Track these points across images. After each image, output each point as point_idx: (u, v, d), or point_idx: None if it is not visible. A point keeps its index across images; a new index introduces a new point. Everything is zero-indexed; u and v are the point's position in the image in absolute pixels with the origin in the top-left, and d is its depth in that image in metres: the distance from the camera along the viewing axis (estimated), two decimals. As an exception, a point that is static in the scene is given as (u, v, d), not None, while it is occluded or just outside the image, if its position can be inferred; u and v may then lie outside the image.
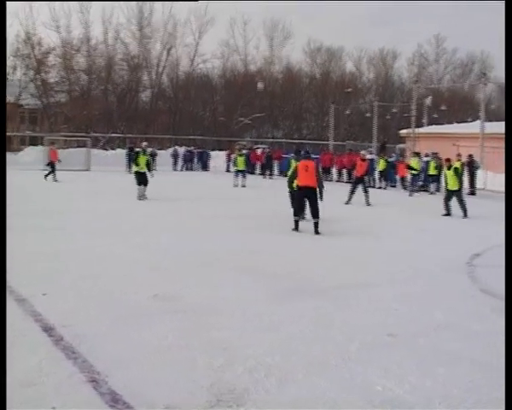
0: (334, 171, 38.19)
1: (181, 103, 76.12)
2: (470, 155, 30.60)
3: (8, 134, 56.55)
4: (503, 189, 32.44)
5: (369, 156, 34.42)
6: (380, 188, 31.82)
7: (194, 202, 21.84)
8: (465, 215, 19.23)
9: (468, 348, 6.51)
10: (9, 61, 62.21)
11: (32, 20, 66.89)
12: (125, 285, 8.82)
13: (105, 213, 17.66)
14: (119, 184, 29.74)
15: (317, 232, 14.60)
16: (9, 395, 4.78)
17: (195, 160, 46.67)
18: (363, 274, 10.29)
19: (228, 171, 41.89)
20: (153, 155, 37.86)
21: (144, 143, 25.30)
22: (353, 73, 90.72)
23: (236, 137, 66.56)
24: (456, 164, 20.29)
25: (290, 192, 16.25)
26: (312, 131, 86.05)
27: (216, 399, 5.00)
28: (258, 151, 44.81)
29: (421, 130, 46.32)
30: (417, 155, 33.21)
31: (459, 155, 19.83)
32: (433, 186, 30.51)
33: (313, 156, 38.22)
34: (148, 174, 22.38)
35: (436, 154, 31.64)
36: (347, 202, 22.13)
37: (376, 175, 33.05)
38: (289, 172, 16.83)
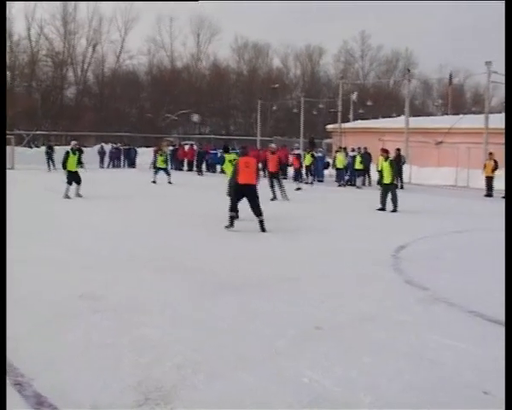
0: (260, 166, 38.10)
1: (107, 100, 75.36)
2: (398, 150, 31.15)
3: None
4: (427, 182, 33.18)
5: (296, 151, 34.75)
6: (307, 183, 32.07)
7: (120, 200, 21.63)
8: (395, 209, 19.37)
9: (393, 338, 6.62)
10: None
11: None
12: (49, 286, 8.66)
13: (27, 213, 17.29)
14: (43, 182, 29.19)
15: (263, 230, 14.38)
16: None
17: (122, 157, 46.21)
18: (290, 269, 10.33)
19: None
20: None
21: (73, 142, 24.83)
22: (280, 69, 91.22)
23: (164, 133, 66.15)
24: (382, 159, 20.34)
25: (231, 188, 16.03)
26: (240, 127, 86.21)
27: (144, 397, 4.96)
28: (186, 147, 44.69)
29: (347, 125, 46.91)
30: (343, 149, 33.69)
31: (386, 150, 19.98)
32: (359, 181, 31.00)
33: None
34: (82, 170, 22.23)
35: (365, 148, 32.13)
36: (273, 199, 22.03)
37: (303, 170, 33.27)
38: (224, 168, 16.81)
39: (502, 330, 5.82)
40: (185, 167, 42.46)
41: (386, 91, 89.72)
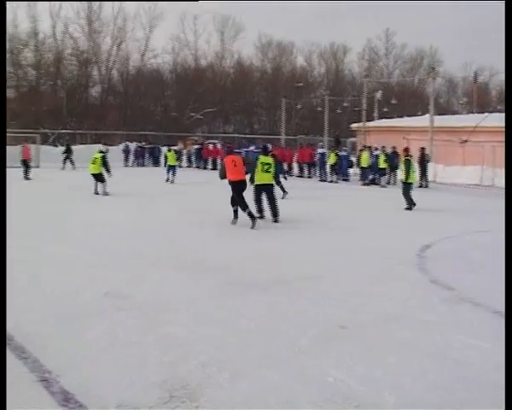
0: (294, 165, 37.87)
1: (131, 99, 75.55)
2: (422, 149, 30.96)
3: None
4: (452, 181, 32.92)
5: (320, 150, 34.71)
6: (331, 182, 32.02)
7: (143, 199, 21.73)
8: (407, 208, 19.43)
9: (417, 337, 6.60)
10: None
11: (-23, 15, 65.62)
12: (75, 284, 8.72)
13: (51, 212, 17.44)
14: (67, 181, 29.35)
15: (235, 218, 15.19)
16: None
17: (147, 155, 46.41)
18: (314, 267, 10.34)
19: (180, 166, 41.68)
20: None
21: (102, 147, 25.18)
22: (304, 67, 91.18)
23: (188, 132, 66.31)
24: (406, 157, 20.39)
25: (254, 188, 16.32)
26: (264, 125, 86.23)
27: (169, 395, 4.99)
28: (210, 146, 44.75)
29: (371, 124, 46.73)
30: (368, 148, 33.55)
31: (404, 149, 20.17)
32: (383, 179, 30.87)
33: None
34: (106, 175, 22.45)
35: (394, 147, 31.90)
36: (283, 197, 21.69)
37: (328, 169, 33.23)
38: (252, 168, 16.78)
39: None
40: (209, 166, 42.50)
41: (410, 90, 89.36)
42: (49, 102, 66.83)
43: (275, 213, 15.86)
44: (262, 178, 16.04)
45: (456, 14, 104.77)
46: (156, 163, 45.62)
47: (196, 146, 45.96)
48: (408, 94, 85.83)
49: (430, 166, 32.04)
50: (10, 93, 67.36)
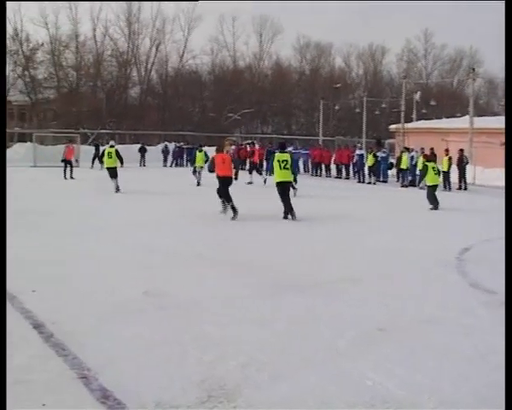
0: (332, 167, 37.71)
1: (170, 99, 75.97)
2: (461, 150, 30.64)
3: (-5, 130, 56.31)
4: (492, 183, 32.60)
5: (358, 152, 34.55)
6: (369, 183, 31.86)
7: (180, 198, 21.85)
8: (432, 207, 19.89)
9: (457, 341, 6.54)
10: (-3, 58, 61.90)
11: (20, 17, 66.67)
12: (114, 282, 8.81)
13: (89, 211, 17.66)
14: (104, 180, 29.54)
15: (234, 215, 16.06)
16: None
17: (185, 156, 46.58)
18: (352, 269, 10.30)
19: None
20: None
21: (111, 142, 25.90)
22: (342, 68, 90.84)
23: (226, 132, 66.45)
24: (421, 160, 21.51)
25: (279, 187, 16.42)
26: (301, 126, 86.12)
27: (207, 395, 5.00)
28: (248, 147, 44.69)
29: (410, 125, 46.40)
30: (407, 150, 33.28)
31: (426, 155, 20.95)
32: (422, 182, 30.53)
33: (303, 151, 38.28)
34: (119, 166, 23.70)
35: (432, 149, 31.51)
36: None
37: (366, 170, 33.07)
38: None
39: None
40: (247, 166, 42.43)
41: (449, 91, 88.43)
42: (89, 102, 67.55)
43: (289, 210, 16.08)
44: (281, 175, 16.40)
45: (496, 13, 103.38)
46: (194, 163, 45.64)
47: (234, 147, 46.01)
48: (447, 95, 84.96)
49: (469, 169, 31.67)
50: (51, 94, 68.32)
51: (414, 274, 10.02)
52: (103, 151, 25.00)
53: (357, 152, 34.67)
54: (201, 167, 27.45)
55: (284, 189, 16.42)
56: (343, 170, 36.19)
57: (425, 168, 20.95)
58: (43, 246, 11.76)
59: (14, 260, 10.12)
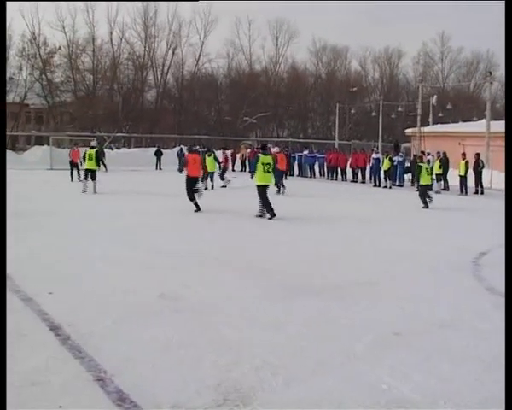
0: (348, 170, 37.52)
1: (186, 103, 76.26)
2: (477, 154, 30.49)
3: (13, 134, 56.70)
4: (508, 188, 31.89)
5: (374, 156, 34.47)
6: (385, 187, 31.78)
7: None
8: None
9: (473, 346, 6.51)
10: (15, 61, 62.54)
11: (38, 20, 67.14)
12: (129, 284, 8.83)
13: (102, 213, 17.75)
14: (121, 182, 29.67)
15: (197, 209, 17.68)
16: (16, 394, 4.84)
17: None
18: (367, 272, 10.28)
19: (233, 170, 41.76)
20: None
21: (92, 143, 26.19)
22: (358, 72, 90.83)
23: (242, 136, 66.58)
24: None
25: (259, 188, 16.85)
26: (317, 130, 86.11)
27: (222, 398, 5.01)
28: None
29: (426, 129, 46.21)
30: (423, 154, 33.14)
31: (420, 156, 21.75)
32: (437, 185, 30.38)
33: (319, 155, 38.27)
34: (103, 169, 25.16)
35: (444, 153, 31.40)
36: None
37: (382, 174, 32.99)
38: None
39: None
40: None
41: (466, 94, 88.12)
42: (106, 106, 67.92)
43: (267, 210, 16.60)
44: (264, 178, 16.76)
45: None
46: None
47: (249, 150, 46.07)
48: (463, 99, 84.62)
49: (485, 173, 31.48)
50: (68, 97, 68.69)
51: (429, 278, 9.98)
52: (84, 153, 25.01)
53: (374, 156, 34.58)
54: (212, 173, 26.96)
55: (264, 190, 16.80)
56: (359, 174, 36.07)
57: (418, 169, 21.80)
58: (56, 247, 11.84)
59: (30, 261, 10.22)
